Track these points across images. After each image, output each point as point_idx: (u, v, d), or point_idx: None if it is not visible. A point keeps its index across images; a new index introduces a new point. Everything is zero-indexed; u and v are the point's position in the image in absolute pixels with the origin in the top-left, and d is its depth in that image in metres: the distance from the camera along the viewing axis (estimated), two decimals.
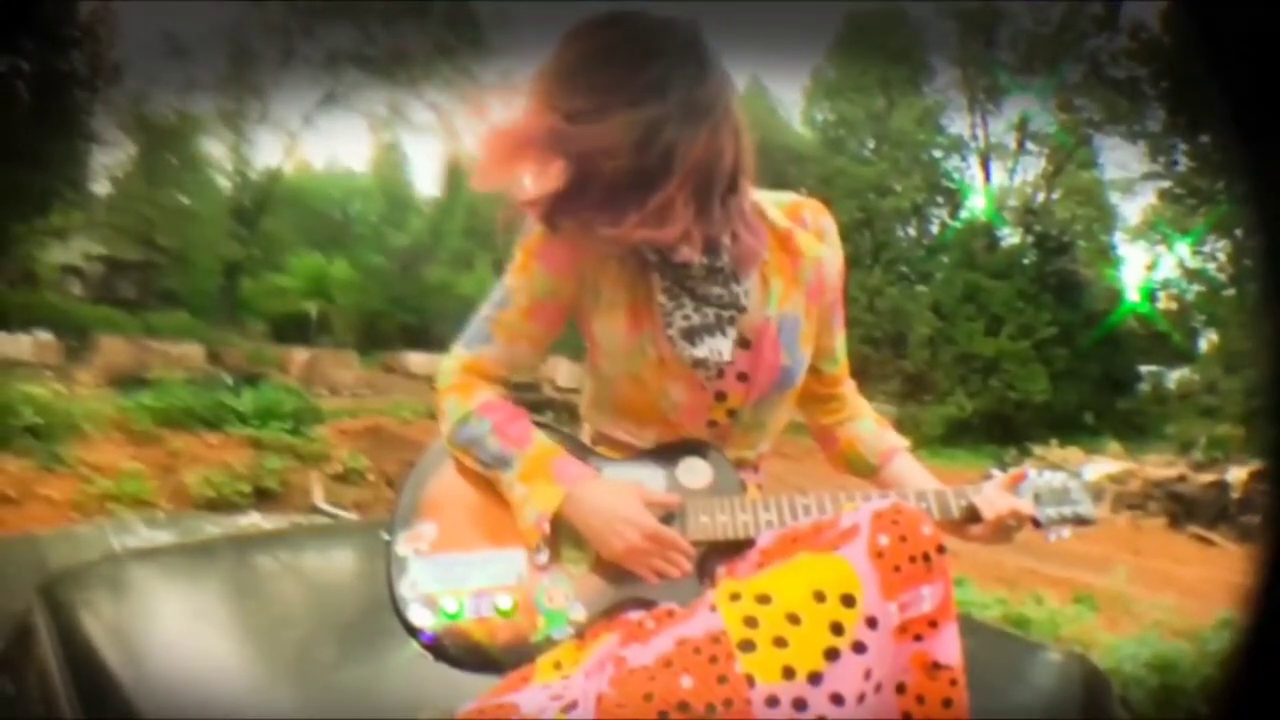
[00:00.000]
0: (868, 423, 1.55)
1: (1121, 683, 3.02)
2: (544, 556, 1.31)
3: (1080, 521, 1.37)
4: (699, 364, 1.32)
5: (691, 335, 1.32)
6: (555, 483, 1.30)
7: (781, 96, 19.80)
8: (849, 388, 1.55)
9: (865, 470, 1.53)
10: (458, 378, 1.39)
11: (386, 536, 1.37)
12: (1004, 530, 1.33)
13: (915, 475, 1.49)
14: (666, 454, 1.38)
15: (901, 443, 1.53)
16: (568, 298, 1.35)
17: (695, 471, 1.36)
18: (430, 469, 1.41)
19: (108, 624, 1.80)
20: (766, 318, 1.35)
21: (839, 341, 1.49)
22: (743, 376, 1.35)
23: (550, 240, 1.30)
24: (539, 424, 1.39)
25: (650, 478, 1.36)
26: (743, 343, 1.34)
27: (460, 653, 1.29)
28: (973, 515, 1.34)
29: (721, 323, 1.32)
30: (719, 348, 1.32)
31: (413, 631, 1.30)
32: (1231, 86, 0.95)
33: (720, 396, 1.36)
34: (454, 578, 1.32)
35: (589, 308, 1.36)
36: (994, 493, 1.35)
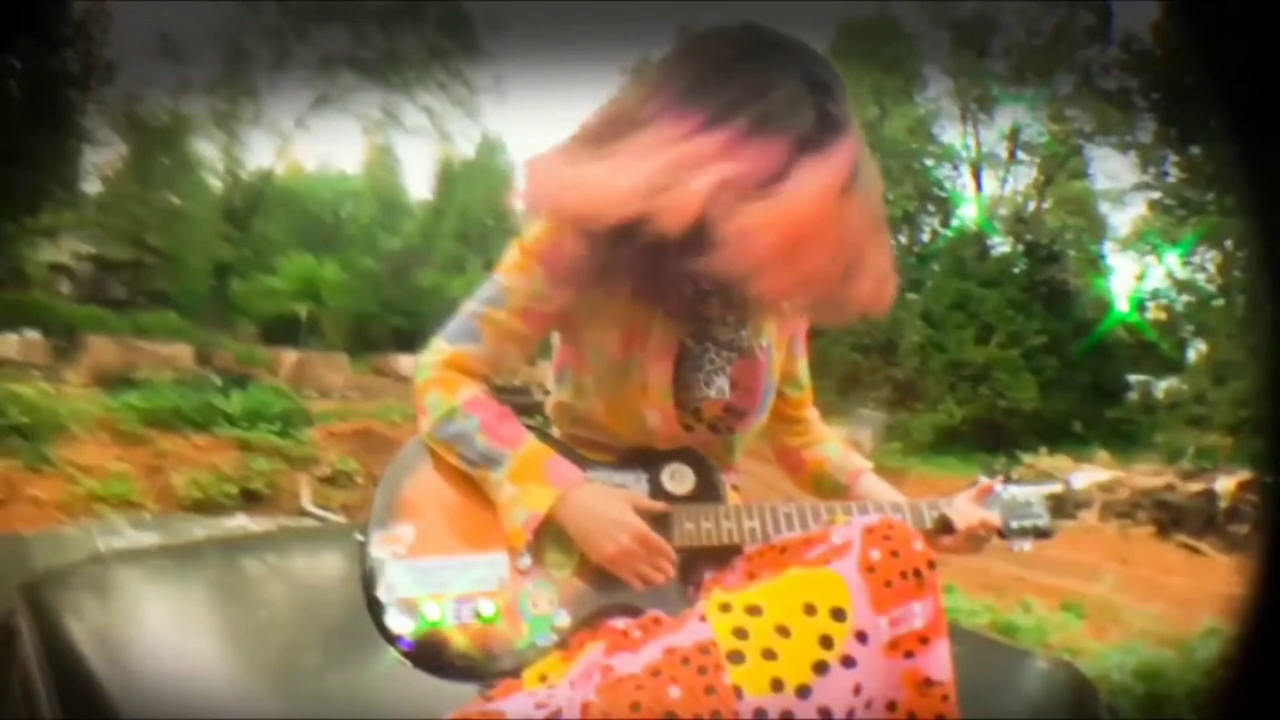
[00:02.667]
0: (834, 445, 1.59)
1: (1108, 691, 3.03)
2: (527, 560, 1.30)
3: (1040, 534, 1.41)
4: (703, 400, 1.36)
5: (709, 378, 1.36)
6: (547, 484, 1.29)
7: None
8: (813, 412, 1.59)
9: (835, 490, 1.54)
10: (439, 372, 1.36)
11: (360, 538, 1.33)
12: (974, 541, 1.37)
13: (883, 492, 1.51)
14: (650, 458, 1.38)
15: (866, 464, 1.57)
16: (563, 305, 1.34)
17: (679, 477, 1.36)
18: (406, 469, 1.38)
19: (91, 626, 1.79)
20: (756, 350, 1.39)
21: (802, 367, 1.53)
22: (727, 407, 1.39)
23: (557, 245, 1.28)
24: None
25: (634, 483, 1.36)
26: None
27: (442, 660, 1.27)
28: (944, 526, 1.36)
29: (726, 363, 1.37)
30: (723, 387, 1.37)
31: (391, 638, 1.28)
32: (1229, 93, 0.95)
33: (697, 414, 1.38)
34: (434, 582, 1.29)
35: (582, 320, 1.35)
36: (964, 505, 1.38)
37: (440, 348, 1.37)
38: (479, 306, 1.36)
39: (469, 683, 1.26)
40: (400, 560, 1.30)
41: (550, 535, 1.30)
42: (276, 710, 1.55)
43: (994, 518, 1.37)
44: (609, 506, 1.29)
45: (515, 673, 1.24)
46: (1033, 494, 1.42)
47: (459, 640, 1.27)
